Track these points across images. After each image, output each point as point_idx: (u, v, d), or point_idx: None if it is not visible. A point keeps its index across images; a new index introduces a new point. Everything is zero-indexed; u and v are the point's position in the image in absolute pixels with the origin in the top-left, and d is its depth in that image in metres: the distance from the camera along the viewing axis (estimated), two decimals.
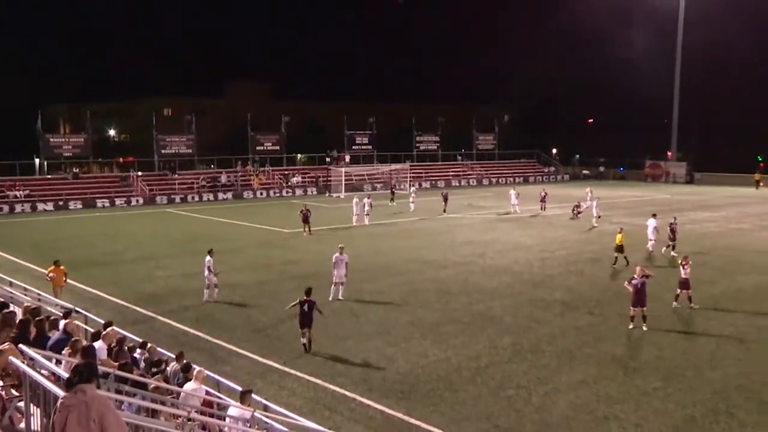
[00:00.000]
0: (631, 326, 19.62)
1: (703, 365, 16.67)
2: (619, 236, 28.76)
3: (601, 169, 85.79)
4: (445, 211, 45.77)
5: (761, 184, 64.84)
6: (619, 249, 28.51)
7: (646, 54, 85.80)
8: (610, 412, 14.01)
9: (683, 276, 22.03)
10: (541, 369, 16.49)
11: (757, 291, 24.14)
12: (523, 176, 79.92)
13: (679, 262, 22.83)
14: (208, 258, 23.45)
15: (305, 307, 18.03)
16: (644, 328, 19.42)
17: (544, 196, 48.35)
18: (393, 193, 54.99)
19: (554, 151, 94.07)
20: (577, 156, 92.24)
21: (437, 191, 65.18)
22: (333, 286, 23.13)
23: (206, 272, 23.42)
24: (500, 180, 77.76)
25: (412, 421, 13.72)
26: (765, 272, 27.28)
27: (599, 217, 41.22)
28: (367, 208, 42.89)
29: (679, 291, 22.10)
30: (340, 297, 22.90)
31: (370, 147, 73.89)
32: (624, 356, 17.48)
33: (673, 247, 31.02)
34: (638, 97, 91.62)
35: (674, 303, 22.06)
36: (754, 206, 51.79)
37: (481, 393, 15.06)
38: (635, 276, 20.10)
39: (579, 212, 44.53)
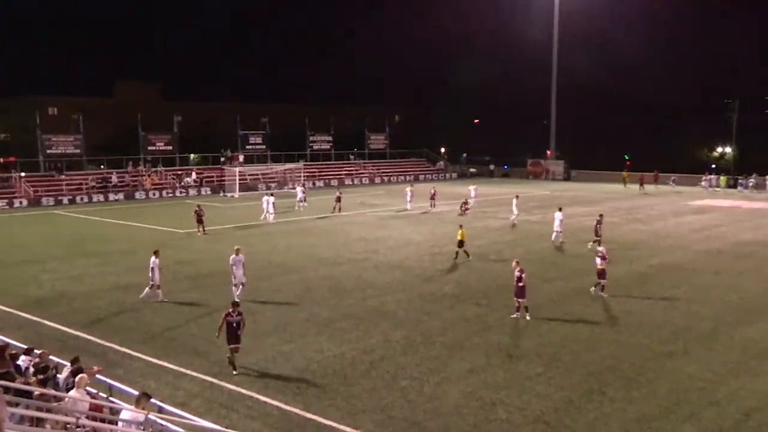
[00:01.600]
0: (513, 315, 20.35)
1: (580, 349, 17.52)
2: (460, 232, 29.69)
3: (491, 167, 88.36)
4: (340, 210, 45.64)
5: (629, 181, 68.70)
6: (460, 244, 29.42)
7: (526, 57, 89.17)
8: (497, 398, 14.49)
9: (599, 267, 23.16)
10: (433, 360, 16.84)
11: (627, 279, 25.56)
12: (414, 174, 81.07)
13: (597, 253, 23.84)
14: (153, 258, 22.62)
15: (233, 324, 16.19)
16: (527, 318, 20.18)
17: (434, 194, 49.30)
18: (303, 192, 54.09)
19: (443, 150, 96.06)
20: (465, 155, 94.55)
21: (332, 190, 65.25)
22: (233, 287, 22.69)
23: (150, 272, 22.64)
24: (392, 178, 78.63)
25: (309, 416, 13.69)
26: (634, 262, 28.92)
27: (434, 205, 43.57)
28: (267, 205, 42.63)
29: (599, 280, 23.24)
30: (236, 298, 22.47)
31: (264, 146, 72.99)
32: (509, 344, 18.10)
33: (599, 242, 31.96)
34: (520, 99, 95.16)
35: (591, 289, 23.26)
36: (623, 201, 54.80)
37: (375, 386, 15.20)
38: (517, 268, 20.83)
39: (467, 209, 45.67)
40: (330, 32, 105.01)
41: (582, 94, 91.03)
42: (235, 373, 15.85)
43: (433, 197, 48.98)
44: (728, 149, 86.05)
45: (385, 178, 78.31)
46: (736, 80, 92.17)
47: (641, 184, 65.05)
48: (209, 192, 62.93)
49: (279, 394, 14.75)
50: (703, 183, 65.86)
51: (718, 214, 46.45)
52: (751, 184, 66.12)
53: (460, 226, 30.50)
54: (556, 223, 33.84)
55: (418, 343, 18.20)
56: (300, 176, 65.40)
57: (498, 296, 22.60)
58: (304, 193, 50.46)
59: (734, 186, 69.21)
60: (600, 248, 24.19)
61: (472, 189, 51.94)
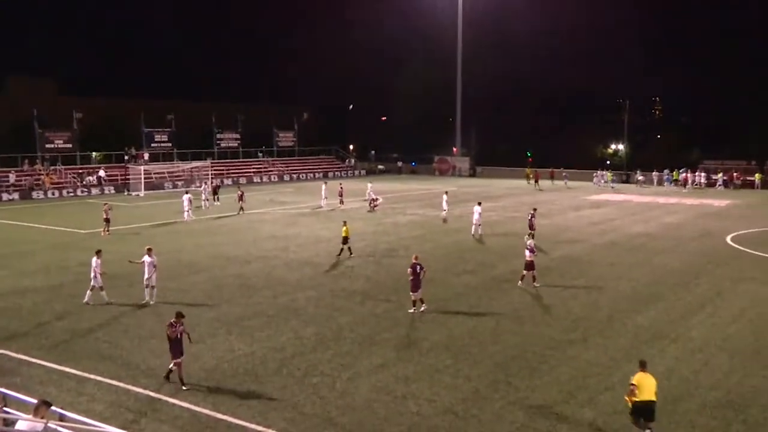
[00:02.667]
0: (411, 310, 20.59)
1: (487, 341, 17.95)
2: (344, 228, 29.79)
3: (399, 164, 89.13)
4: (242, 209, 44.27)
5: (531, 176, 70.81)
6: (344, 240, 29.55)
7: (432, 56, 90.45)
8: (408, 391, 14.64)
9: (528, 258, 23.80)
10: (344, 356, 16.84)
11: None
12: (323, 172, 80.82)
13: (526, 246, 24.51)
14: (94, 259, 21.50)
15: (177, 335, 15.11)
16: (422, 309, 20.50)
17: (341, 191, 49.33)
18: (216, 191, 52.43)
19: (351, 147, 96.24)
20: (373, 152, 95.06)
21: (242, 188, 64.15)
22: (146, 288, 21.92)
23: (92, 274, 21.51)
24: (301, 176, 78.14)
25: (220, 416, 13.42)
26: (537, 255, 29.77)
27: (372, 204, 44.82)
28: (186, 204, 41.62)
29: (524, 272, 23.90)
30: (147, 299, 21.74)
31: (170, 144, 70.93)
32: (418, 338, 18.33)
33: (533, 236, 32.54)
34: (427, 96, 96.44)
35: (519, 283, 23.89)
36: (526, 197, 56.55)
37: (286, 383, 15.07)
38: (413, 261, 21.10)
39: (376, 206, 45.96)
40: (237, 28, 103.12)
41: (487, 92, 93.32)
42: (185, 388, 14.61)
43: (340, 194, 49.02)
44: (621, 147, 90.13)
45: (295, 176, 77.72)
46: (628, 82, 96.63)
47: (536, 181, 67.01)
48: (113, 191, 60.60)
49: (189, 395, 14.38)
50: (595, 179, 68.73)
51: (613, 208, 48.63)
52: (640, 179, 69.89)
53: (344, 223, 30.37)
54: (476, 216, 35.25)
55: (329, 339, 18.16)
56: (208, 174, 63.93)
57: (407, 292, 22.77)
58: (214, 190, 49.42)
59: (627, 181, 72.75)
60: (529, 241, 24.93)
61: (369, 185, 52.32)
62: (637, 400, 12.23)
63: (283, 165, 79.77)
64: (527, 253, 24.02)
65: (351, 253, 29.40)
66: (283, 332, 18.73)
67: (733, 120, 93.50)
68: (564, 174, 69.86)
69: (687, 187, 66.11)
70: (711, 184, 67.42)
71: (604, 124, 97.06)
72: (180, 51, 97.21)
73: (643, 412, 12.26)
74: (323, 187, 49.97)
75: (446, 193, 43.75)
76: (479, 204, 36.23)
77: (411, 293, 20.80)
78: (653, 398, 12.33)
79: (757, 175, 67.77)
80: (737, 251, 31.14)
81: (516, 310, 20.96)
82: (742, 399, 14.09)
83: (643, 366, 12.66)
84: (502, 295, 22.73)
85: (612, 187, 64.80)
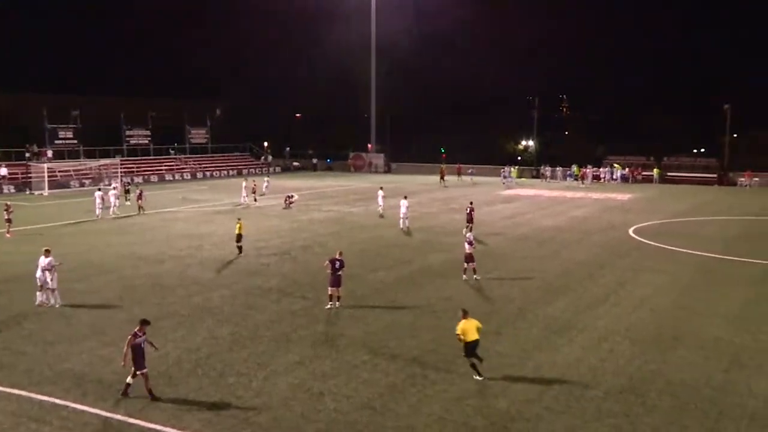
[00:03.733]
0: (328, 306, 20.60)
1: (404, 335, 18.12)
2: (238, 225, 29.28)
3: (314, 161, 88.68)
4: (141, 208, 42.14)
5: (446, 173, 71.53)
6: (238, 238, 29.00)
7: (346, 53, 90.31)
8: (325, 387, 14.62)
9: (467, 251, 24.23)
10: (260, 355, 16.65)
11: (444, 267, 26.79)
12: (237, 169, 79.57)
13: (465, 239, 25.11)
14: (44, 258, 20.37)
15: (140, 345, 14.20)
16: (337, 305, 20.57)
17: (254, 188, 48.63)
18: (127, 191, 50.40)
19: (266, 144, 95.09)
20: (288, 149, 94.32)
21: (152, 186, 62.33)
22: (38, 293, 20.91)
23: (39, 272, 20.33)
24: (215, 173, 76.63)
25: (132, 420, 13.01)
26: (449, 250, 30.35)
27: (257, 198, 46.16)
28: (98, 201, 40.26)
29: (465, 265, 24.27)
30: (53, 302, 20.78)
31: (75, 141, 68.08)
32: (336, 335, 18.32)
33: (471, 228, 32.94)
34: (341, 94, 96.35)
35: (464, 276, 24.26)
36: (440, 192, 57.44)
37: (202, 384, 14.76)
38: (336, 256, 21.13)
39: (291, 202, 45.63)
40: (147, 21, 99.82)
41: (401, 88, 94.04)
42: (159, 399, 13.93)
43: (254, 191, 48.36)
44: (531, 142, 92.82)
45: (208, 174, 76.16)
46: (537, 79, 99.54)
47: (441, 177, 66.91)
48: (13, 190, 57.64)
49: (99, 401, 13.88)
50: (503, 175, 69.79)
51: (524, 202, 50.04)
52: (546, 174, 72.29)
53: (238, 219, 29.86)
54: (403, 210, 36.47)
55: (244, 338, 17.91)
56: (117, 173, 61.72)
57: (324, 288, 22.67)
58: (125, 189, 47.84)
59: (536, 177, 74.99)
60: (468, 234, 25.66)
61: (264, 181, 51.92)
62: (466, 341, 15.02)
63: (196, 162, 78.02)
64: (467, 245, 24.60)
65: (240, 252, 28.72)
66: (198, 332, 18.34)
67: (635, 117, 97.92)
68: (470, 171, 70.63)
69: (584, 182, 68.65)
70: (615, 179, 70.49)
71: (515, 121, 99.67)
72: (85, 44, 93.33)
73: (472, 349, 15.09)
74: (243, 184, 49.19)
75: (381, 188, 44.26)
76: (405, 198, 37.29)
77: (329, 288, 20.77)
78: (477, 337, 15.13)
79: (655, 170, 71.21)
80: (638, 243, 32.64)
81: (432, 304, 21.26)
82: (642, 384, 14.79)
83: (465, 314, 15.43)
84: (418, 290, 23.01)
85: (511, 183, 65.46)
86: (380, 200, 42.34)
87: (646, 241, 32.81)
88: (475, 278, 24.24)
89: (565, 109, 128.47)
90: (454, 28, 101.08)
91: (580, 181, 68.97)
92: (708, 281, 24.62)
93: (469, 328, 15.08)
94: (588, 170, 71.70)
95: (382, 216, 40.78)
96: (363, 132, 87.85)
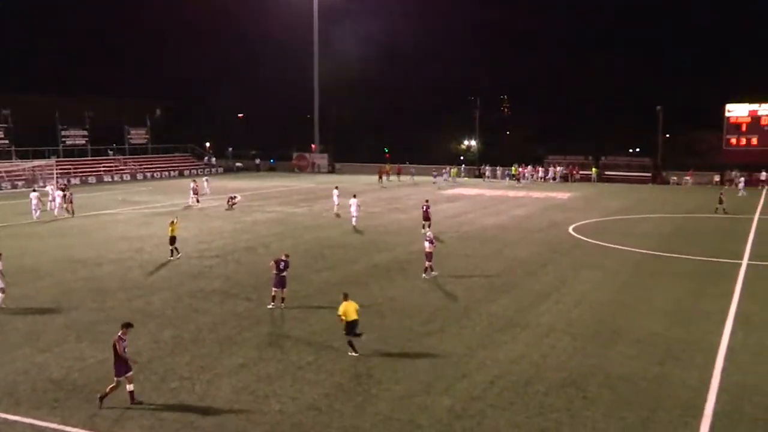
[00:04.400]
0: (270, 306, 20.40)
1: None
2: (171, 228, 28.32)
3: (257, 161, 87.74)
4: (68, 210, 40.68)
5: (390, 173, 71.87)
6: (172, 240, 28.12)
7: (290, 53, 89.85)
8: (270, 389, 14.48)
9: (427, 249, 24.55)
10: (204, 358, 16.38)
11: (389, 266, 26.88)
12: (179, 170, 78.22)
13: (424, 237, 25.45)
14: None
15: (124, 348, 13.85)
16: (282, 306, 20.42)
17: (195, 188, 47.81)
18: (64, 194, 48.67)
19: (208, 144, 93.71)
20: (230, 149, 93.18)
21: (90, 187, 60.71)
22: None
23: None
24: (155, 174, 75.11)
25: (69, 429, 12.62)
26: (393, 250, 30.49)
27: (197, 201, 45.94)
28: (35, 203, 39.11)
29: (426, 264, 24.58)
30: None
31: (6, 141, 65.77)
32: (280, 336, 18.17)
33: (429, 226, 33.46)
34: (285, 93, 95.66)
35: (423, 275, 24.54)
36: (384, 192, 57.60)
37: (143, 389, 14.42)
38: (282, 257, 21.00)
39: (234, 203, 45.09)
40: (83, 17, 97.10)
41: (345, 88, 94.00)
42: (139, 402, 13.63)
43: (195, 192, 47.55)
44: (473, 142, 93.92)
45: (149, 175, 74.61)
46: (480, 80, 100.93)
47: (380, 177, 67.07)
48: None
49: (33, 409, 13.42)
50: (443, 175, 69.38)
51: (467, 202, 50.62)
52: (487, 173, 73.44)
53: (172, 222, 28.82)
54: (353, 208, 36.90)
55: (187, 341, 17.60)
56: (52, 174, 59.83)
57: (268, 289, 22.51)
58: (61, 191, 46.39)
59: (479, 176, 76.01)
60: (428, 232, 26.04)
61: (204, 181, 51.30)
62: (346, 321, 16.53)
63: (135, 163, 76.34)
64: (426, 244, 24.86)
65: (172, 255, 28.00)
66: (139, 336, 17.89)
67: (575, 117, 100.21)
68: (411, 170, 70.53)
69: (521, 181, 69.65)
70: (554, 178, 71.96)
71: (458, 121, 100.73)
72: (15, 41, 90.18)
73: (351, 328, 16.61)
74: (192, 185, 48.30)
75: (337, 187, 44.18)
76: (354, 197, 37.77)
77: (273, 288, 20.58)
78: (356, 317, 16.63)
79: (593, 169, 72.97)
80: (578, 240, 33.39)
81: (377, 304, 21.29)
82: (582, 378, 15.14)
83: (345, 297, 16.92)
84: (363, 290, 22.98)
85: (443, 183, 65.85)
86: (336, 199, 42.45)
87: (586, 239, 33.58)
88: (433, 275, 24.62)
89: (506, 109, 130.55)
90: (398, 29, 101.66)
91: (516, 181, 69.83)
92: (644, 277, 25.36)
93: (349, 310, 16.61)
94: (525, 169, 73.00)
95: (338, 215, 40.64)
96: (307, 132, 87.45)
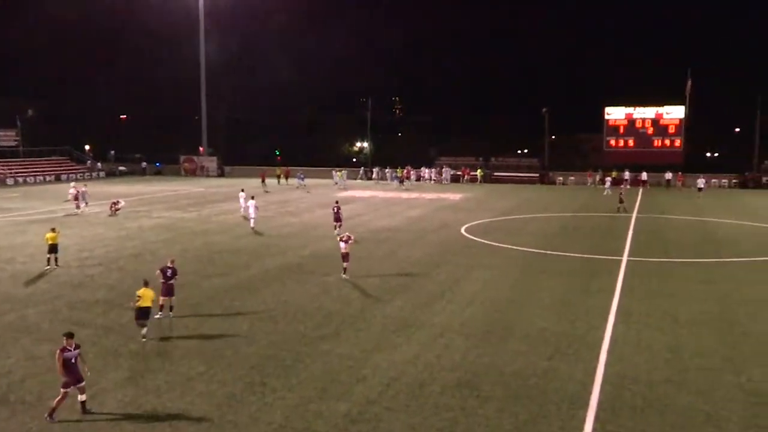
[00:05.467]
0: (158, 315, 19.73)
1: (241, 343, 17.77)
2: (51, 235, 27.06)
3: (143, 165, 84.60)
4: None
5: (282, 176, 70.87)
6: (52, 249, 26.88)
7: (176, 53, 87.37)
8: (159, 402, 13.99)
9: (343, 250, 24.75)
10: (86, 372, 15.59)
11: (281, 271, 26.62)
12: (55, 174, 74.26)
13: (340, 238, 25.75)
14: None
15: (71, 359, 13.60)
16: (170, 315, 19.89)
17: (76, 194, 45.57)
18: None
19: (87, 147, 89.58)
20: (113, 152, 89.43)
21: None
22: None
23: None
24: (28, 179, 70.98)
25: None
26: (285, 254, 30.23)
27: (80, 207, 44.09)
28: None
29: (345, 264, 24.74)
30: None
31: None
32: (169, 346, 17.60)
33: (340, 227, 34.43)
34: (171, 94, 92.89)
35: (342, 275, 24.90)
36: (276, 195, 56.99)
37: (15, 411, 13.58)
38: (168, 264, 20.39)
39: (117, 209, 43.29)
40: None
41: (234, 89, 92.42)
42: (90, 410, 13.48)
43: (76, 198, 45.29)
44: (365, 144, 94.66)
45: (20, 179, 70.41)
46: (372, 80, 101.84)
47: (263, 180, 65.18)
48: None
49: None
50: (335, 178, 68.53)
51: (360, 204, 50.90)
52: (374, 175, 74.01)
53: (52, 229, 27.57)
54: (252, 210, 37.26)
55: None
56: None
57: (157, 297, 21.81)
58: None
59: (371, 178, 76.64)
60: (346, 234, 26.20)
61: (71, 185, 49.35)
62: (139, 306, 17.82)
63: (4, 167, 71.82)
64: (342, 244, 25.06)
65: (48, 264, 26.69)
66: (11, 354, 16.86)
67: (466, 119, 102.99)
68: (299, 174, 69.26)
69: (405, 183, 69.73)
70: (446, 179, 73.65)
71: (350, 122, 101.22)
72: None
73: (143, 314, 17.88)
74: (71, 190, 45.87)
75: (243, 190, 43.63)
76: (252, 198, 38.66)
77: (160, 297, 19.93)
78: (149, 305, 18.00)
79: (478, 170, 75.07)
80: (470, 241, 34.29)
81: (270, 309, 21.03)
82: (475, 377, 15.55)
83: (146, 284, 18.32)
84: (255, 296, 22.67)
85: (338, 184, 66.08)
86: (242, 201, 42.20)
87: (477, 239, 34.54)
88: (344, 277, 24.91)
89: (398, 111, 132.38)
90: (290, 28, 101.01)
91: (400, 182, 69.48)
92: (532, 275, 26.36)
93: (146, 296, 17.93)
94: (411, 171, 73.68)
95: (246, 218, 39.71)
96: (195, 134, 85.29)
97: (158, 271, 20.32)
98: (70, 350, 13.60)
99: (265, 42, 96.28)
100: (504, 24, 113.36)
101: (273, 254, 30.13)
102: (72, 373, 13.48)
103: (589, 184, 69.65)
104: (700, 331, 19.03)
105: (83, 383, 13.60)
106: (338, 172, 68.86)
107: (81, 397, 13.58)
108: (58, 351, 13.62)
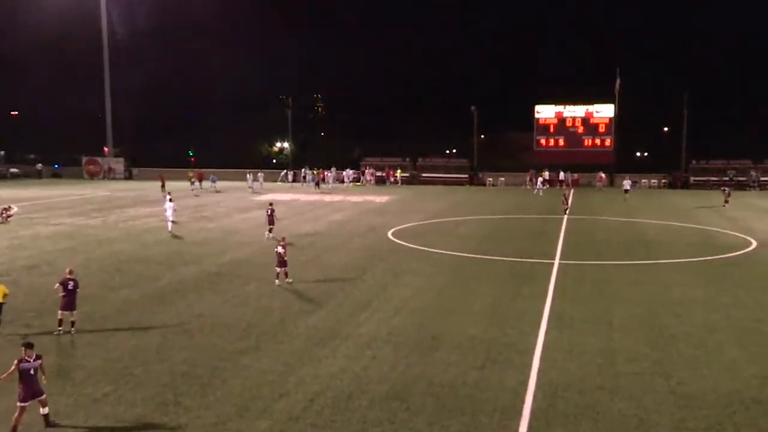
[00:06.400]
0: (56, 332, 19.13)
1: (151, 360, 17.34)
2: None
3: (38, 166, 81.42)
4: None
5: (194, 179, 68.48)
6: None
7: (77, 49, 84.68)
8: (60, 429, 13.51)
9: (281, 255, 24.94)
10: None
11: (196, 280, 26.13)
12: None
13: (278, 242, 25.91)
14: None
15: (29, 370, 13.52)
16: (72, 331, 19.28)
17: None
18: None
19: None
20: (2, 152, 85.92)
21: None
22: None
23: None
24: None
25: None
26: (200, 262, 29.69)
27: None
28: None
29: (278, 270, 25.21)
30: None
31: None
32: (72, 366, 17.01)
33: (271, 231, 34.70)
34: (72, 92, 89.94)
35: (276, 281, 25.13)
36: (191, 199, 55.93)
37: None
38: (67, 276, 19.79)
39: (8, 215, 41.58)
40: None
41: (141, 86, 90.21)
42: (56, 423, 13.49)
43: None
44: (286, 144, 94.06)
45: None
46: (292, 77, 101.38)
47: (162, 185, 62.56)
48: None
49: None
50: (254, 180, 67.23)
51: (281, 207, 50.46)
52: (289, 178, 73.53)
53: None
54: (169, 212, 37.41)
55: None
56: None
57: (52, 314, 20.98)
58: None
59: (294, 180, 76.21)
60: (282, 236, 26.70)
61: None
62: None
63: None
64: (280, 249, 25.18)
65: None
66: None
67: (392, 118, 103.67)
68: (212, 176, 67.77)
69: (321, 185, 69.28)
70: (371, 181, 74.02)
71: (269, 121, 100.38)
72: None
73: None
74: None
75: (169, 193, 43.18)
76: (171, 200, 38.70)
77: (59, 312, 19.26)
78: (3, 301, 18.91)
79: (398, 172, 75.71)
80: (397, 245, 34.54)
81: (184, 322, 20.62)
82: (405, 388, 15.66)
83: None
84: (167, 308, 22.17)
85: (252, 188, 65.47)
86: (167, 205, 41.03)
87: (405, 243, 34.82)
88: (288, 281, 25.19)
89: (320, 109, 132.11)
90: (200, 23, 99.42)
91: (316, 185, 68.55)
92: (463, 280, 26.76)
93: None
94: (328, 172, 73.11)
95: (174, 222, 38.78)
96: (99, 134, 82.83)
97: (57, 284, 19.64)
98: (29, 361, 13.55)
99: (175, 36, 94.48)
100: (430, 17, 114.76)
101: (187, 263, 29.56)
102: (29, 386, 13.40)
103: (528, 185, 70.96)
104: (631, 335, 19.73)
105: (44, 396, 13.60)
106: (252, 175, 67.80)
107: (43, 411, 13.54)
108: (15, 361, 13.63)
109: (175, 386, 15.63)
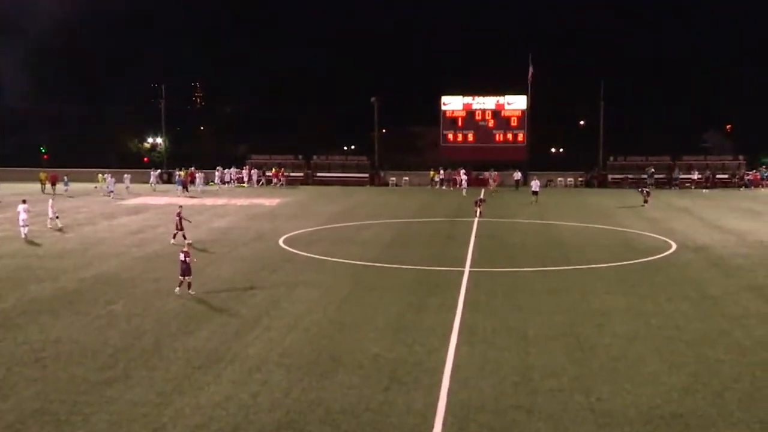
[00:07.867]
0: None
1: None
2: None
3: None
4: None
5: (47, 182, 65.35)
6: None
7: None
8: None
9: (185, 263, 25.43)
10: None
11: (52, 300, 25.07)
12: None
13: (182, 250, 26.23)
14: None
15: None
16: None
17: None
18: None
19: None
20: None
21: None
22: None
23: None
24: None
25: None
26: (57, 278, 28.55)
27: None
28: None
29: (181, 278, 25.55)
30: None
31: None
32: None
33: (184, 236, 34.39)
34: None
35: (177, 289, 25.63)
36: (42, 204, 53.72)
37: None
38: None
39: None
40: None
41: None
42: None
43: None
44: (159, 140, 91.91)
45: None
46: (166, 64, 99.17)
47: (52, 184, 62.00)
48: None
49: None
50: (116, 182, 65.02)
51: (154, 213, 49.37)
52: (153, 180, 71.75)
53: None
54: (23, 216, 37.51)
55: None
56: None
57: None
58: None
59: (169, 181, 74.57)
60: (187, 241, 27.35)
61: None
62: None
63: None
64: (182, 255, 25.34)
65: None
66: None
67: (281, 110, 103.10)
68: (64, 178, 65.00)
69: (190, 188, 67.91)
70: (258, 181, 73.30)
71: (139, 113, 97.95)
72: None
73: None
74: None
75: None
76: (24, 202, 38.90)
77: None
78: None
79: (273, 169, 75.49)
80: (290, 254, 34.28)
81: (35, 350, 19.69)
82: (301, 416, 15.47)
83: None
84: (14, 334, 21.10)
85: (102, 190, 63.67)
86: (50, 211, 41.92)
87: (298, 252, 34.60)
88: (190, 293, 25.38)
89: (199, 100, 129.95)
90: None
91: (184, 189, 66.67)
92: (364, 292, 26.78)
93: None
94: (198, 174, 71.15)
95: (60, 229, 39.10)
96: None
97: None
98: None
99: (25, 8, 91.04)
100: (327, 2, 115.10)
101: (40, 279, 28.34)
102: None
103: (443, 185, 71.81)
104: (549, 349, 20.22)
105: None
106: (102, 176, 65.36)
107: None
108: None
109: (24, 426, 14.86)
